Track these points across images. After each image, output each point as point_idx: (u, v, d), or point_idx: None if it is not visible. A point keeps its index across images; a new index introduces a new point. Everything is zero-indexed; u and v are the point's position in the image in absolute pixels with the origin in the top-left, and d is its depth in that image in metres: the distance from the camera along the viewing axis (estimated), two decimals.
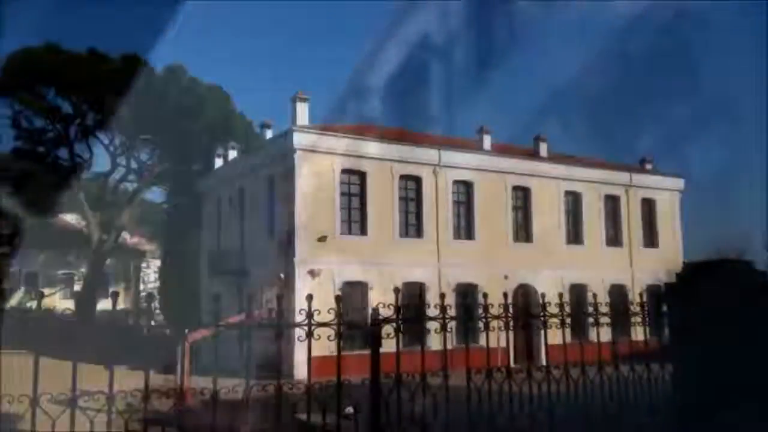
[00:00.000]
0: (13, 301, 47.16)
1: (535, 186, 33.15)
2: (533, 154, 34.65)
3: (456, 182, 31.29)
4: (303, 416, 5.91)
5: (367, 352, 5.33)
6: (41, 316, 4.80)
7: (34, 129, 44.37)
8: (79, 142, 45.31)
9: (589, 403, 6.01)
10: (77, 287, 50.37)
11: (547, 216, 33.26)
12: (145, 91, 40.94)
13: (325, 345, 5.28)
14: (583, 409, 5.95)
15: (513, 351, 25.04)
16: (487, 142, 33.23)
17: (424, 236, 29.88)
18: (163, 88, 41.29)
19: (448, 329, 5.61)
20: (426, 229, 29.96)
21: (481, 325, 5.87)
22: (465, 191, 31.62)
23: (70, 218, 60.07)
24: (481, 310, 5.78)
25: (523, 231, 32.96)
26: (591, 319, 6.32)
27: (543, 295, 6.15)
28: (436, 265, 29.50)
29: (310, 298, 4.91)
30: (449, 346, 5.69)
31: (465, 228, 31.40)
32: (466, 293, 28.54)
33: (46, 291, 46.90)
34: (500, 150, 33.70)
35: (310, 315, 4.85)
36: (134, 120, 42.29)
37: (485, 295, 5.64)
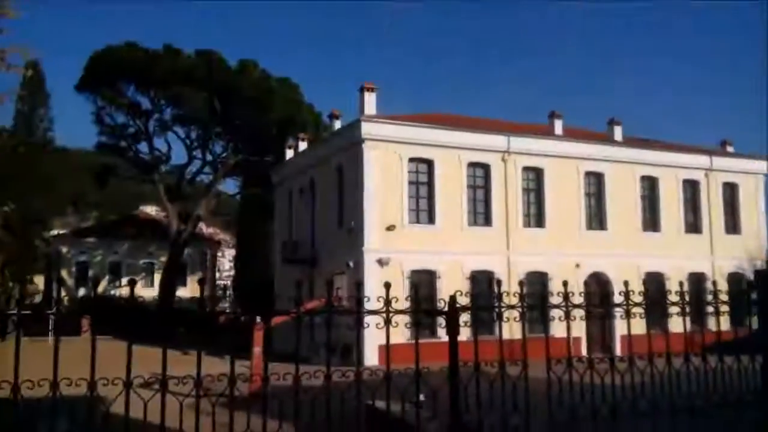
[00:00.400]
0: (98, 289, 49.55)
1: (608, 171, 32.13)
2: (607, 139, 33.59)
3: (526, 169, 30.71)
4: (379, 403, 5.98)
5: (432, 340, 5.32)
6: (128, 303, 5.01)
7: (116, 124, 46.44)
8: (158, 136, 47.19)
9: (675, 395, 5.80)
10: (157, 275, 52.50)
11: (622, 202, 32.20)
12: (219, 85, 42.17)
13: (392, 332, 5.20)
14: (669, 400, 5.75)
15: (586, 340, 24.62)
16: (558, 127, 32.42)
17: (493, 224, 29.53)
18: (236, 82, 42.32)
19: (516, 319, 5.53)
20: (495, 217, 29.59)
21: (554, 314, 5.73)
22: (535, 178, 31.00)
23: (150, 209, 62.77)
24: (556, 299, 5.66)
25: (596, 218, 32.06)
26: (676, 308, 6.08)
27: (626, 283, 5.95)
28: (506, 253, 29.11)
29: (387, 285, 4.94)
30: (517, 336, 5.60)
31: (535, 215, 30.82)
32: (537, 282, 28.04)
33: (125, 281, 49.30)
34: (572, 135, 32.82)
35: (387, 302, 4.88)
36: (209, 113, 43.62)
37: (565, 284, 5.51)
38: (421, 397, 5.35)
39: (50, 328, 32.74)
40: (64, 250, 54.80)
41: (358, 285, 5.04)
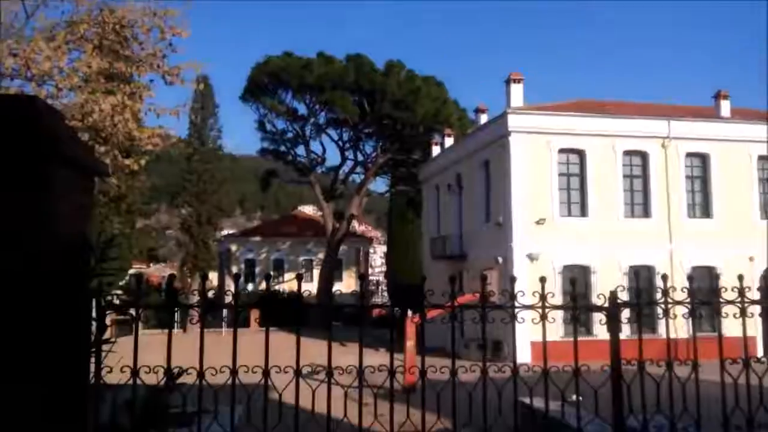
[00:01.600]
0: (262, 285, 53.19)
1: None
2: None
3: (689, 155, 28.55)
4: (535, 401, 5.91)
5: (587, 338, 5.12)
6: (295, 296, 5.34)
7: (277, 130, 49.61)
8: (314, 140, 49.81)
9: None
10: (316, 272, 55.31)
11: None
12: (368, 87, 43.59)
13: (541, 328, 5.02)
14: None
15: (763, 340, 22.39)
16: (725, 108, 29.74)
17: (653, 216, 27.79)
18: (383, 84, 43.45)
19: (685, 316, 5.18)
20: (654, 207, 27.83)
21: (726, 311, 5.30)
22: (700, 164, 28.73)
23: (308, 209, 66.42)
24: (729, 295, 5.23)
25: None
26: None
27: None
28: (667, 246, 27.23)
29: (543, 280, 4.87)
30: (680, 335, 5.24)
31: (701, 205, 28.57)
32: (704, 277, 25.91)
33: (287, 276, 52.46)
34: (741, 116, 29.94)
35: (543, 297, 4.82)
36: (359, 115, 45.23)
37: (740, 277, 5.10)
38: (576, 397, 5.20)
39: (224, 319, 35.79)
40: (233, 248, 59.52)
41: (513, 279, 5.01)
